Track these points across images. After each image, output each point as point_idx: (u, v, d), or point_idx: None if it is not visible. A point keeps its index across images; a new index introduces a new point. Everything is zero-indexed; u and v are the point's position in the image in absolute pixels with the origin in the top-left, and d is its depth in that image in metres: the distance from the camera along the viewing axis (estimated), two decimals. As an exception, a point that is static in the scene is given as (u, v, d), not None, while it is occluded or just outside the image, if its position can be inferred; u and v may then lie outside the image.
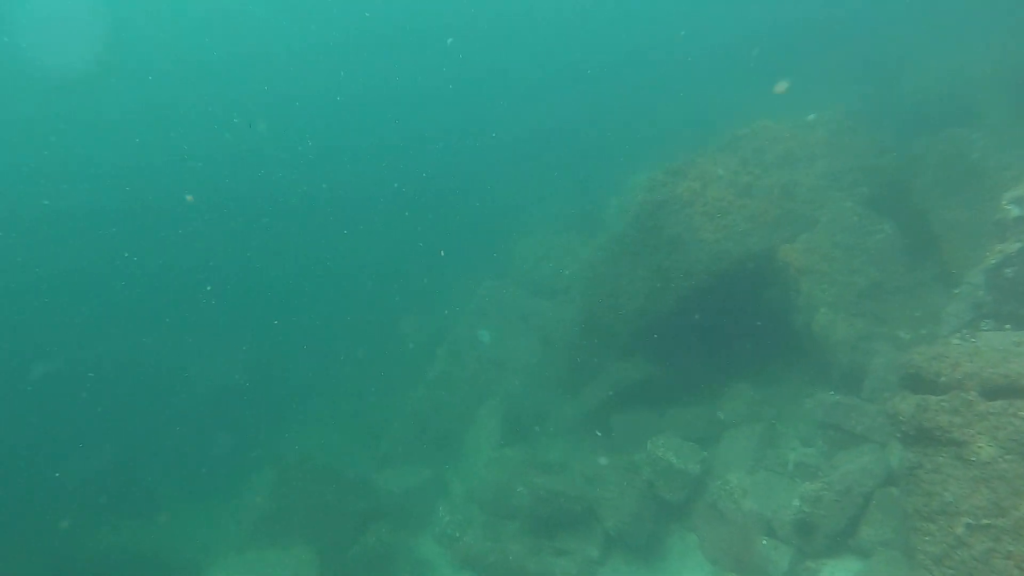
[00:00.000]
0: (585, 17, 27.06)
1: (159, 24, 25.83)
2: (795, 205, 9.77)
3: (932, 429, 5.30)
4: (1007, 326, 7.10)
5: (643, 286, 9.76)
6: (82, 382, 15.42)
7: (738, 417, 9.62)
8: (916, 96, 13.00)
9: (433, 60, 28.69)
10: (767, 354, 9.98)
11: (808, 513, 7.42)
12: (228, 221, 20.74)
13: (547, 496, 9.40)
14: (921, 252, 9.82)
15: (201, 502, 14.23)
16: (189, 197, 20.30)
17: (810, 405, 8.86)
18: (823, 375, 9.45)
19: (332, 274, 20.18)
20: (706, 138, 12.04)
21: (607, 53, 26.08)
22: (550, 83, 27.71)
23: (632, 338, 10.21)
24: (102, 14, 23.24)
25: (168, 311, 18.07)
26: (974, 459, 5.13)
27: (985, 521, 4.93)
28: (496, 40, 30.09)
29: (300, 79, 27.64)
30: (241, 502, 12.38)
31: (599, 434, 10.59)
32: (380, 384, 15.46)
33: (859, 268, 9.25)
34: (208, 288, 18.64)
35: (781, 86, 11.70)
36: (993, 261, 7.44)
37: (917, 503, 5.42)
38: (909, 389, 5.94)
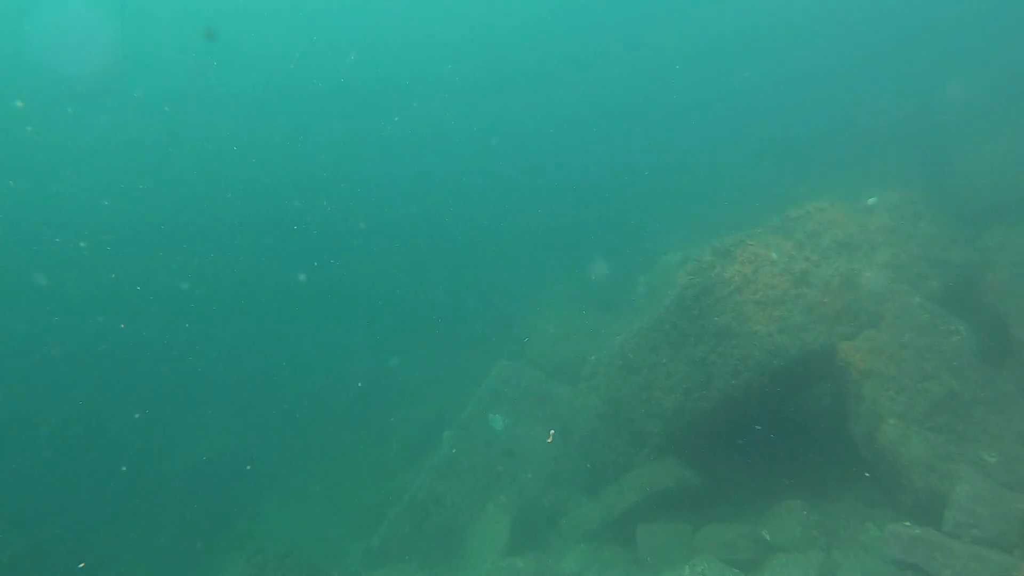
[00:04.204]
0: (617, 77, 26.62)
1: (171, 34, 25.45)
2: (857, 297, 8.67)
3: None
4: None
5: (683, 380, 8.60)
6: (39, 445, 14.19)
7: (788, 540, 8.26)
8: (973, 183, 12.10)
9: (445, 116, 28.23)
10: (822, 467, 8.73)
11: None
12: (216, 263, 19.74)
13: (562, 625, 8.01)
14: (1000, 359, 8.68)
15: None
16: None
17: (879, 536, 7.54)
18: (889, 498, 8.16)
19: (332, 337, 19.02)
20: (747, 217, 11.11)
21: (638, 120, 25.45)
22: (570, 147, 26.89)
23: (666, 438, 8.98)
24: (113, 23, 22.92)
25: (141, 366, 16.90)
26: None
27: None
28: (514, 97, 29.67)
29: (313, 105, 27.16)
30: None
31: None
32: (377, 464, 14.17)
33: (932, 374, 8.06)
34: (190, 342, 17.52)
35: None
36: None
37: None
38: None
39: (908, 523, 7.27)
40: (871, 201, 9.60)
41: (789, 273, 8.66)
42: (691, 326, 8.58)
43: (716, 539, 8.58)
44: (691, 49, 27.64)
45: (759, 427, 8.37)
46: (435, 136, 27.66)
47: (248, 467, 14.86)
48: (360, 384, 15.70)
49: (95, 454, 14.69)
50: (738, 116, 22.45)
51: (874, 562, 7.60)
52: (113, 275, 18.43)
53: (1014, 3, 18.09)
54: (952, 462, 7.50)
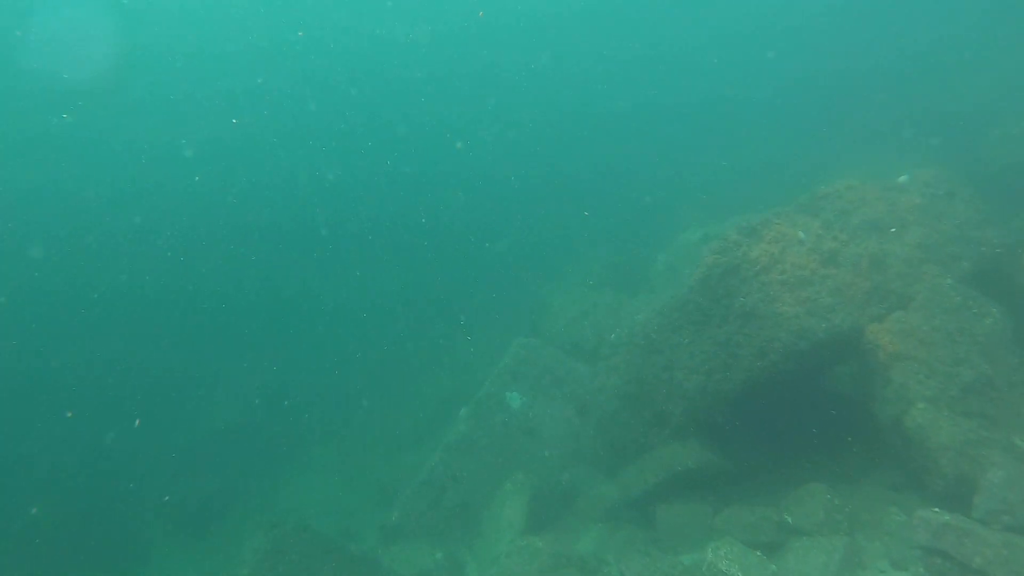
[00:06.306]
0: (631, 53, 26.12)
1: (172, 34, 25.04)
2: (886, 278, 8.47)
3: None
4: None
5: (706, 361, 8.45)
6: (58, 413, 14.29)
7: (811, 524, 8.15)
8: (1007, 159, 11.75)
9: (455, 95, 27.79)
10: (845, 451, 8.59)
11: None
12: (236, 245, 19.66)
13: (582, 605, 7.98)
14: (1033, 343, 8.47)
15: (189, 554, 12.97)
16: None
17: (905, 521, 7.42)
18: (915, 483, 8.02)
19: (349, 311, 18.96)
20: (766, 196, 10.87)
21: (653, 94, 25.00)
22: (585, 122, 26.46)
23: (687, 419, 8.86)
24: (114, 24, 22.51)
25: (157, 335, 16.93)
26: None
27: None
28: (534, 81, 29.21)
29: (326, 101, 26.78)
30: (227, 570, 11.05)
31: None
32: (392, 440, 14.17)
33: (964, 358, 7.87)
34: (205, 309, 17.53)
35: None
36: None
37: None
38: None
39: (937, 509, 7.15)
40: (902, 179, 9.34)
41: (817, 253, 8.46)
42: (715, 306, 8.42)
43: (737, 521, 8.49)
44: (715, 32, 27.14)
45: (777, 408, 8.24)
46: (451, 125, 27.32)
47: (266, 438, 14.95)
48: (375, 359, 15.66)
49: (115, 427, 14.77)
50: (759, 96, 21.99)
51: (900, 547, 7.49)
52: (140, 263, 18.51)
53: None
54: (983, 447, 7.35)
